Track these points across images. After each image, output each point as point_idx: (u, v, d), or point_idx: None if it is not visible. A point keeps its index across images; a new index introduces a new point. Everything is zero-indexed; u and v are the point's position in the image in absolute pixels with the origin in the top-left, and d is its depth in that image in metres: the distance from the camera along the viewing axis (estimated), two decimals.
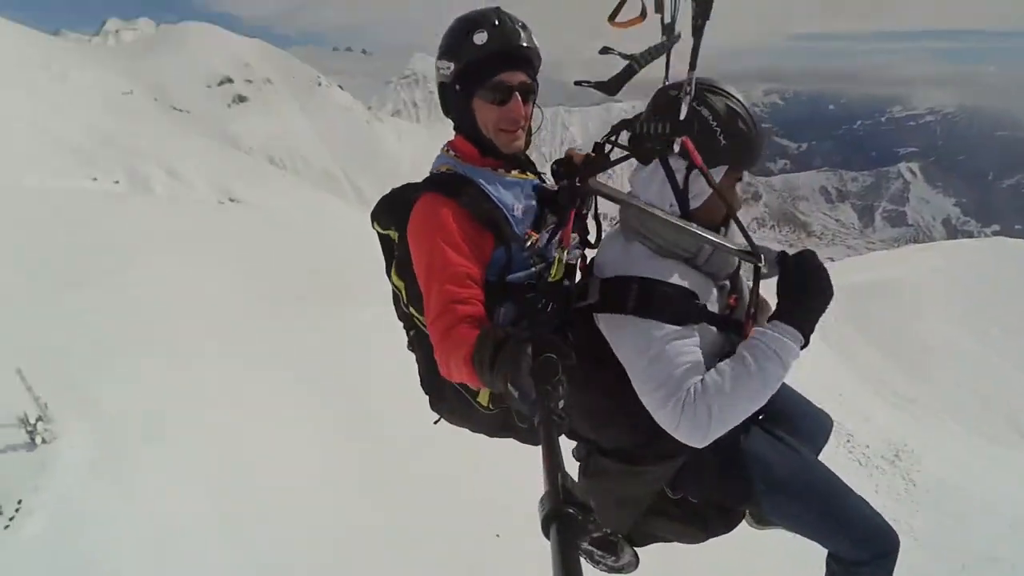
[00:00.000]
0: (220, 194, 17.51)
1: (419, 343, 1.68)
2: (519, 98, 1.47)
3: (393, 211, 1.59)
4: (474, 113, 1.50)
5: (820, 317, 1.30)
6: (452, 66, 1.47)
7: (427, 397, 1.74)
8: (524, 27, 1.47)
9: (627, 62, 1.37)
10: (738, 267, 1.54)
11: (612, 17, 1.41)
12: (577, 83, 1.54)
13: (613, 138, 1.50)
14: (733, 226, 1.51)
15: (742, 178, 1.48)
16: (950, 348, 14.27)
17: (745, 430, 1.55)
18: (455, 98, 1.52)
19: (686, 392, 1.27)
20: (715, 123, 1.36)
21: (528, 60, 1.49)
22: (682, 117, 1.33)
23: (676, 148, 1.35)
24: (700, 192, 1.42)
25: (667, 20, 1.38)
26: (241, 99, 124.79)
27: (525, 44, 1.46)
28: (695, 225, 1.39)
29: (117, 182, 16.30)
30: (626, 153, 1.49)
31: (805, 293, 1.32)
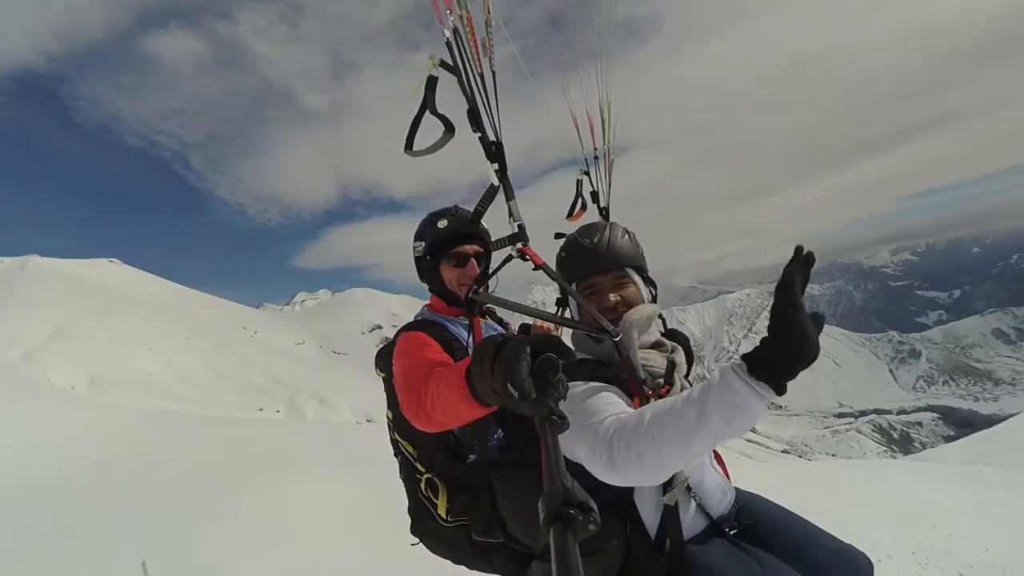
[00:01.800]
0: (359, 416, 19.59)
1: (405, 468, 1.96)
2: (473, 262, 1.98)
3: (384, 357, 1.93)
4: (441, 275, 2.00)
5: (796, 372, 1.07)
6: (423, 244, 2.01)
7: (410, 522, 1.96)
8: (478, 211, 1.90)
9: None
10: (671, 371, 1.58)
11: (569, 216, 2.30)
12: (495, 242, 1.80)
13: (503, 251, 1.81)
14: (629, 314, 1.60)
15: (594, 284, 1.68)
16: None
17: (703, 541, 1.46)
18: (427, 267, 2.03)
19: (605, 429, 1.24)
20: (561, 252, 1.76)
21: (478, 236, 1.99)
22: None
23: (516, 253, 1.64)
24: (575, 310, 1.72)
25: (603, 205, 2.37)
26: (387, 340, 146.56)
27: (474, 227, 1.95)
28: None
29: (278, 411, 19.09)
30: (499, 264, 1.82)
31: (791, 344, 1.05)
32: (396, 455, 2.02)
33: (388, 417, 2.02)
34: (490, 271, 1.85)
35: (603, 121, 2.35)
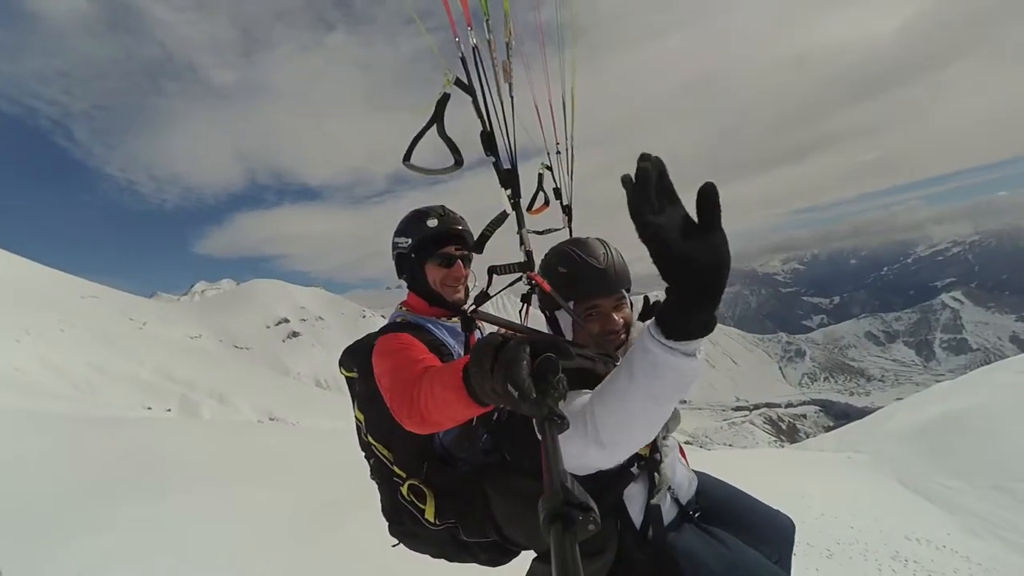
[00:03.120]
0: (262, 415, 18.52)
1: (378, 471, 1.93)
2: (459, 263, 1.97)
3: (355, 355, 1.94)
4: (425, 274, 1.97)
5: (712, 301, 0.97)
6: (409, 241, 1.97)
7: (387, 523, 1.94)
8: (462, 218, 2.01)
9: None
10: None
11: (529, 208, 2.19)
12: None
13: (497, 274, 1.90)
14: (633, 334, 1.70)
15: (597, 306, 1.67)
16: None
17: (676, 527, 1.63)
18: (410, 264, 2.00)
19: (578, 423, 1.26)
20: (561, 268, 1.70)
21: (464, 238, 1.99)
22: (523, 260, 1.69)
23: (524, 281, 1.68)
24: (566, 325, 1.73)
25: (565, 202, 2.30)
26: (294, 335, 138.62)
27: (462, 228, 1.98)
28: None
29: (169, 410, 17.62)
30: (502, 287, 1.85)
31: (680, 272, 0.96)
32: (368, 458, 2.00)
33: (357, 419, 1.98)
34: (490, 292, 1.86)
35: (564, 113, 2.21)
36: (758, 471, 10.63)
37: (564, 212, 2.34)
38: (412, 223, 1.99)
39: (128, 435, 10.40)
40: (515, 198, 1.59)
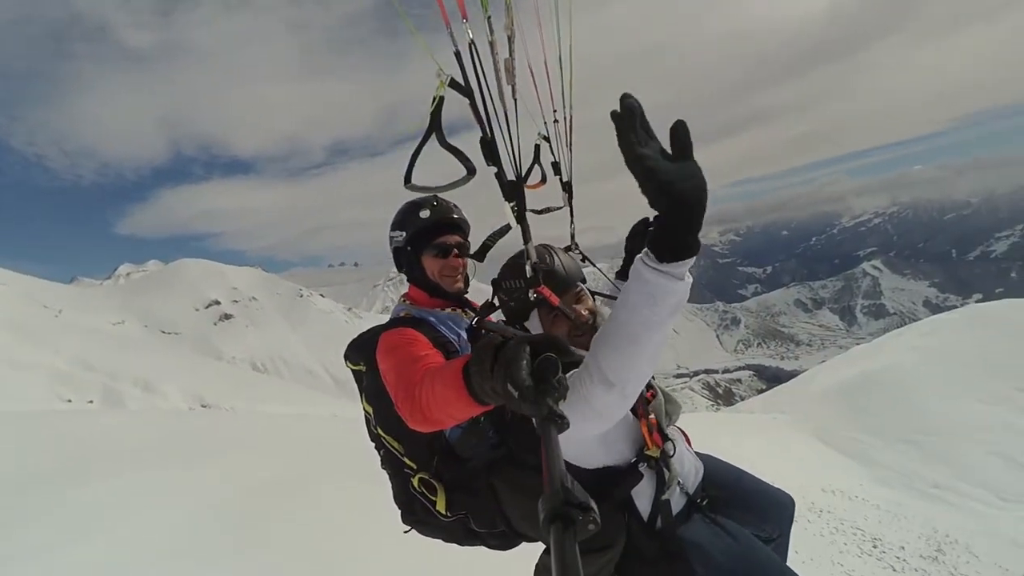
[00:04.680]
0: (192, 402, 17.70)
1: (389, 461, 1.97)
2: (456, 252, 1.99)
3: (361, 349, 1.93)
4: (423, 266, 1.99)
5: (695, 221, 1.07)
6: (404, 234, 1.98)
7: (400, 511, 1.99)
8: (456, 206, 2.02)
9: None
10: None
11: (524, 182, 2.11)
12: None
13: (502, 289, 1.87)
14: (599, 321, 1.75)
15: (577, 298, 1.76)
16: (954, 421, 13.58)
17: (685, 517, 1.67)
18: (407, 257, 2.01)
19: (580, 374, 1.32)
20: (517, 282, 1.73)
21: (459, 226, 2.01)
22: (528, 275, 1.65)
23: (533, 296, 1.65)
24: (536, 331, 1.73)
25: (565, 179, 2.14)
26: (227, 317, 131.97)
27: (456, 216, 2.00)
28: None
29: (91, 402, 16.57)
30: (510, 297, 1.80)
31: (666, 196, 1.05)
32: (378, 449, 2.03)
33: (366, 411, 2.00)
34: (495, 303, 1.85)
35: (562, 78, 2.00)
36: (697, 434, 11.08)
37: (564, 189, 2.21)
38: (406, 216, 2.00)
39: (46, 427, 9.63)
40: (521, 211, 1.49)
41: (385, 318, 2.05)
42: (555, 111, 2.09)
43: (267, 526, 5.81)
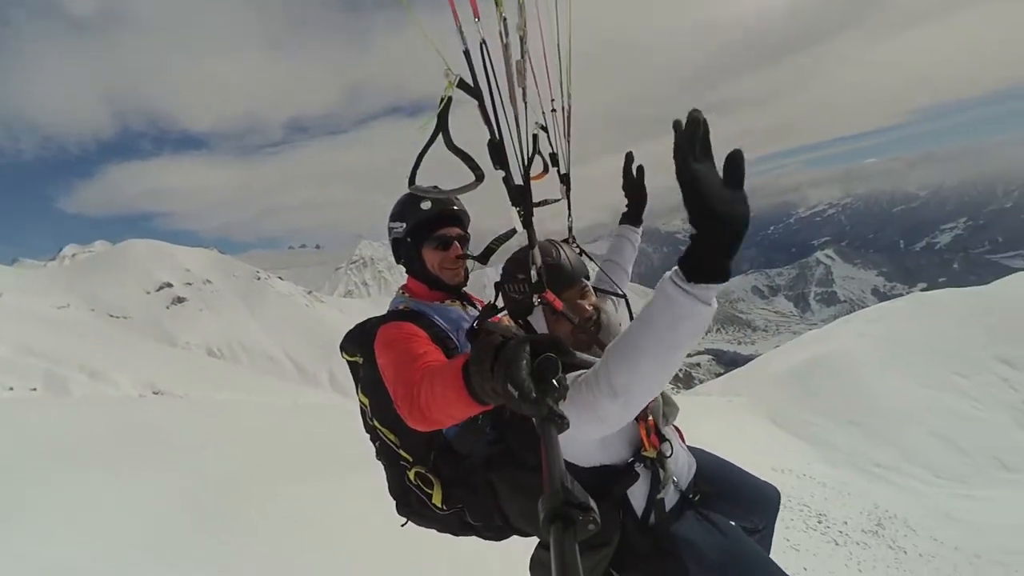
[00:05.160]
0: (143, 388, 17.00)
1: (385, 453, 1.97)
2: (456, 244, 1.97)
3: (358, 341, 1.94)
4: (423, 258, 1.96)
5: (732, 248, 1.05)
6: (404, 225, 1.97)
7: (395, 503, 2.01)
8: (456, 198, 1.98)
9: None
10: None
11: (509, 170, 2.08)
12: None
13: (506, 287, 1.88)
14: (602, 317, 1.80)
15: (564, 299, 1.74)
16: (898, 403, 14.34)
17: (678, 513, 1.71)
18: (407, 248, 1.99)
19: (589, 378, 1.30)
20: (520, 274, 1.75)
21: (460, 219, 2.01)
22: (534, 280, 1.66)
23: (537, 301, 1.69)
24: (540, 327, 1.76)
25: (562, 171, 2.18)
26: (180, 300, 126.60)
27: (457, 208, 1.99)
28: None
29: (34, 389, 15.75)
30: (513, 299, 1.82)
31: (708, 218, 1.03)
32: (373, 440, 2.03)
33: (362, 403, 2.00)
34: (498, 306, 1.85)
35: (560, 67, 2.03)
36: None
37: (562, 181, 2.21)
38: (406, 207, 1.98)
39: None
40: (528, 216, 1.49)
41: (348, 303, 2.00)
42: (552, 100, 2.09)
43: (230, 523, 5.63)
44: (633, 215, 2.40)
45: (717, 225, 1.02)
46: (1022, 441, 12.77)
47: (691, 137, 1.02)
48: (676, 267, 1.10)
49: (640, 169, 2.31)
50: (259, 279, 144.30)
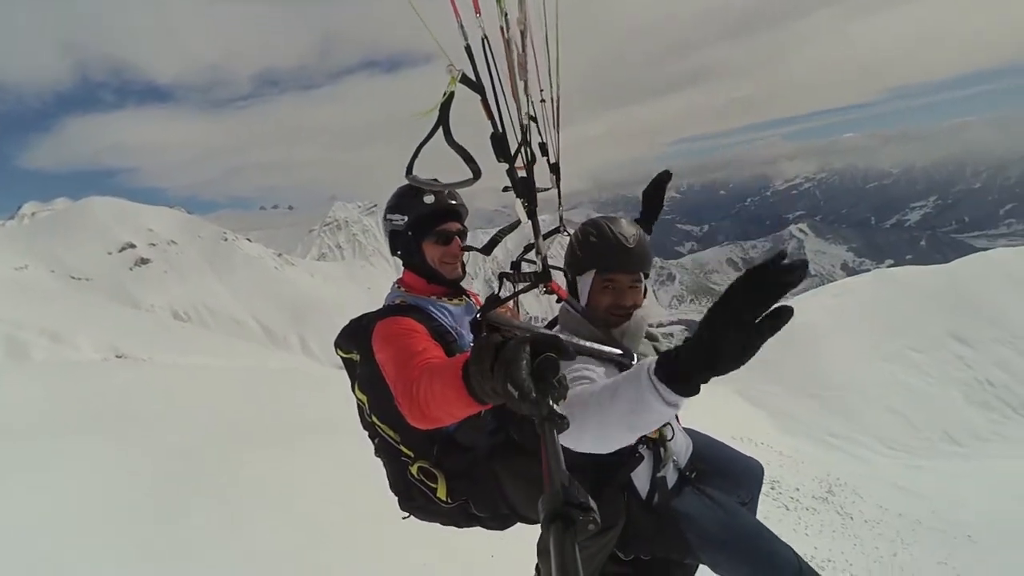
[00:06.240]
0: (106, 352, 16.63)
1: (385, 450, 1.97)
2: (457, 240, 2.00)
3: (354, 337, 1.95)
4: (423, 252, 1.97)
5: (718, 374, 1.02)
6: (405, 218, 1.96)
7: (397, 499, 2.00)
8: (457, 193, 2.01)
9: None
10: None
11: (512, 162, 2.06)
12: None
13: (510, 277, 1.93)
14: (636, 315, 1.78)
15: (615, 280, 1.75)
16: (854, 376, 14.91)
17: (677, 490, 1.81)
18: (406, 241, 1.99)
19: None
20: (592, 237, 1.76)
21: (459, 213, 2.03)
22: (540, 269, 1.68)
23: (543, 291, 1.71)
24: (583, 290, 1.79)
25: (552, 161, 2.11)
26: (143, 261, 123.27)
27: (456, 203, 2.00)
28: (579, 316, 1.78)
29: None
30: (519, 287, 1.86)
31: (714, 359, 0.99)
32: (372, 437, 2.02)
33: (359, 400, 2.00)
34: (501, 295, 1.86)
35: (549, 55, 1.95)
36: None
37: (552, 171, 2.19)
38: (407, 199, 1.97)
39: None
40: (532, 208, 1.50)
41: (321, 266, 1.98)
42: (541, 90, 2.03)
43: (198, 490, 5.57)
44: (645, 223, 2.36)
45: (722, 353, 0.96)
46: (971, 417, 13.48)
47: (770, 297, 0.89)
48: (659, 363, 1.07)
49: (667, 177, 2.35)
50: (226, 240, 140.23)
